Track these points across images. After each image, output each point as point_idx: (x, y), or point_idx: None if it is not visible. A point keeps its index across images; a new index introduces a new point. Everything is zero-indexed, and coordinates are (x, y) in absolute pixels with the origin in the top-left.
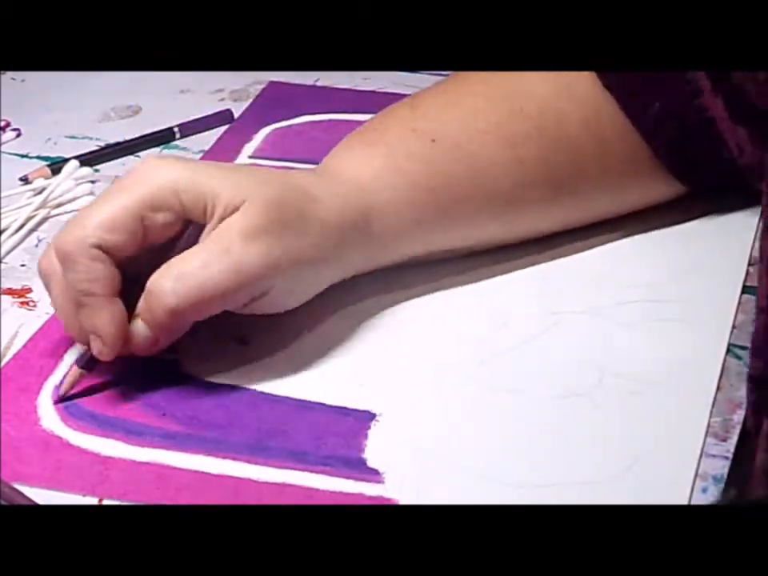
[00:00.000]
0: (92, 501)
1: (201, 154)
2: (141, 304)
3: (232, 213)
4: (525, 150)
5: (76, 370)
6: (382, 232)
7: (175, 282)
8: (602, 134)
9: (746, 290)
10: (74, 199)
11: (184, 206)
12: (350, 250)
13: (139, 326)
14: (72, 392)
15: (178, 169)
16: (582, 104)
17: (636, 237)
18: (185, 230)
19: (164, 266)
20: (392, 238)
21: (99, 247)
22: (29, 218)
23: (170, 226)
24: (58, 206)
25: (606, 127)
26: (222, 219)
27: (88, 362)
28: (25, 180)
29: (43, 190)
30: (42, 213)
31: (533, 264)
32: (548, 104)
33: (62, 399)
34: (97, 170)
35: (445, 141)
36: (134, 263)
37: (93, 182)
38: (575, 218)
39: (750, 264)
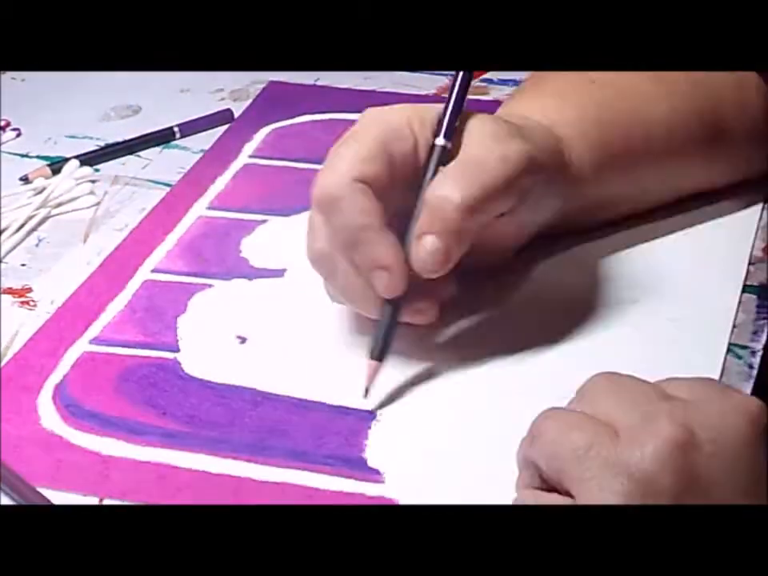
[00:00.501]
0: (92, 500)
1: (201, 154)
2: (422, 221)
3: (469, 130)
4: (672, 85)
5: (373, 363)
6: (571, 164)
7: (457, 183)
8: (739, 78)
9: (746, 289)
10: (74, 199)
11: (415, 133)
12: (558, 176)
13: (429, 242)
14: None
15: (397, 108)
16: None
17: (636, 237)
18: (418, 163)
19: (438, 177)
20: (579, 173)
21: (361, 180)
22: (29, 218)
23: (410, 159)
24: (58, 205)
25: (748, 87)
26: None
27: (378, 353)
28: (25, 180)
29: (43, 189)
30: (43, 212)
31: (533, 264)
32: None
33: (366, 394)
34: (97, 170)
35: (602, 81)
36: (387, 200)
37: (93, 181)
38: (717, 170)
39: (750, 264)
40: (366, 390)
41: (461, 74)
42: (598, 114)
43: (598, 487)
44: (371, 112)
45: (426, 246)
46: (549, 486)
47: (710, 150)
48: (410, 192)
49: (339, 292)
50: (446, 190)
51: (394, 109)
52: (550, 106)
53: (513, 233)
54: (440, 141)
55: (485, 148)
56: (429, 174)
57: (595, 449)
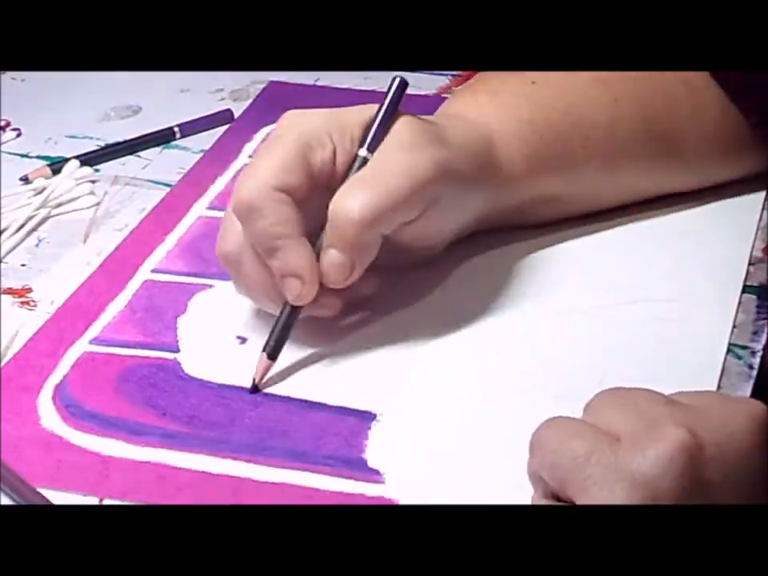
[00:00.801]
0: (92, 500)
1: (201, 154)
2: (326, 234)
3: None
4: (619, 90)
5: (265, 360)
6: (502, 162)
7: (356, 196)
8: (694, 83)
9: (746, 289)
10: (74, 199)
11: (334, 141)
12: (483, 177)
13: (331, 255)
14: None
15: (318, 114)
16: None
17: (635, 236)
18: (335, 171)
19: (341, 190)
20: (510, 171)
21: (280, 189)
22: (29, 218)
23: (328, 167)
24: (59, 205)
25: (701, 85)
26: None
27: (273, 351)
28: (25, 180)
29: (43, 189)
30: (43, 213)
31: (533, 264)
32: None
33: (255, 390)
34: (97, 170)
35: (543, 82)
36: (306, 209)
37: (93, 181)
38: (670, 175)
39: (750, 264)
40: (255, 386)
41: (395, 81)
42: (533, 114)
43: (601, 494)
44: (291, 116)
45: (329, 259)
46: (558, 498)
47: (658, 156)
48: (328, 200)
49: (244, 290)
50: (345, 202)
51: (314, 114)
52: (485, 104)
53: (432, 232)
54: (362, 152)
55: (391, 159)
56: (351, 176)
57: (596, 456)
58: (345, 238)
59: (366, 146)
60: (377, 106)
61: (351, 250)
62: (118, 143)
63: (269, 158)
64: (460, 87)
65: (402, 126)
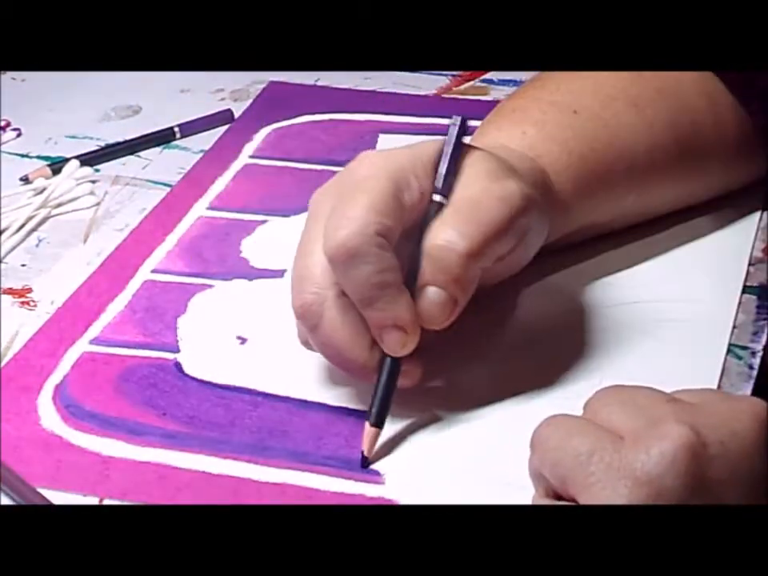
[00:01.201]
0: (93, 500)
1: (201, 154)
2: (426, 271)
3: (463, 170)
4: (651, 112)
5: (372, 430)
6: (556, 195)
7: (458, 228)
8: (715, 98)
9: (746, 289)
10: (74, 199)
11: (420, 182)
12: (546, 205)
13: (432, 294)
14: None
15: (399, 152)
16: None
17: (635, 236)
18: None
19: (434, 226)
20: (564, 203)
21: (381, 234)
22: (29, 218)
23: (417, 205)
24: (59, 205)
25: (718, 92)
26: None
27: (378, 417)
28: (25, 180)
29: (44, 189)
30: (43, 213)
31: (533, 264)
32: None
33: (367, 463)
34: (97, 170)
35: (584, 111)
36: (397, 254)
37: (93, 181)
38: (696, 189)
39: (750, 264)
40: (365, 458)
41: (457, 123)
42: (581, 146)
43: (603, 492)
44: (372, 157)
45: (432, 298)
46: (560, 496)
47: (687, 172)
48: (409, 243)
49: (320, 345)
50: (448, 237)
51: (396, 155)
52: (533, 136)
53: (519, 262)
54: (437, 197)
55: (481, 189)
56: (428, 225)
57: (598, 454)
58: (449, 273)
59: (439, 190)
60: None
61: (455, 285)
62: (118, 143)
63: (364, 200)
64: (494, 113)
65: (477, 159)
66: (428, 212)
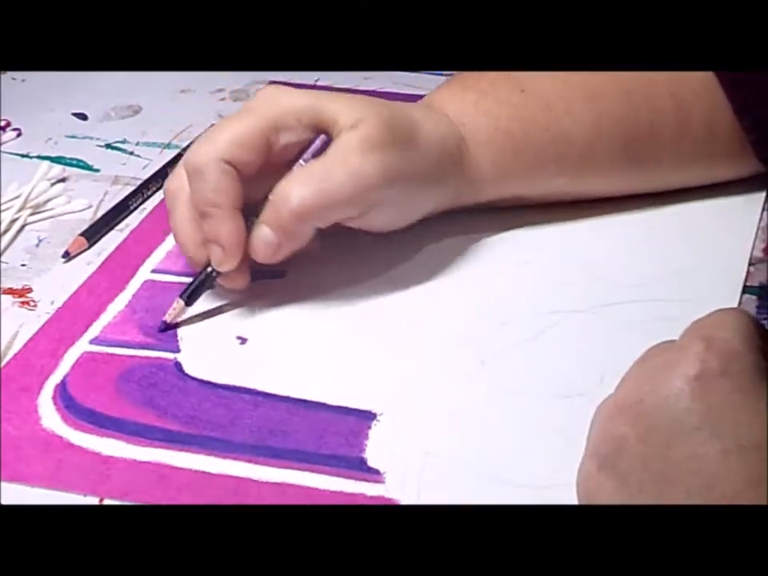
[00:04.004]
0: (93, 500)
1: None
2: (265, 212)
3: (349, 130)
4: (606, 106)
5: (180, 303)
6: (470, 165)
7: (299, 187)
8: (684, 101)
9: (746, 290)
10: (50, 200)
11: (304, 128)
12: (447, 175)
13: (264, 232)
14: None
15: (299, 95)
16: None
17: (636, 236)
18: (300, 154)
19: (288, 175)
20: (477, 174)
21: (228, 162)
22: (11, 223)
23: (291, 147)
24: (35, 207)
25: (690, 96)
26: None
27: (190, 297)
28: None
29: (18, 196)
30: (24, 215)
31: (533, 263)
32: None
33: (166, 328)
34: (97, 170)
35: (533, 93)
36: (254, 184)
37: (63, 180)
38: (644, 183)
39: (750, 264)
40: (165, 323)
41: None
42: (512, 123)
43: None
44: (269, 91)
45: (260, 234)
46: None
47: (635, 171)
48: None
49: (173, 230)
50: (288, 190)
51: (291, 95)
52: (470, 104)
53: (379, 225)
54: (321, 137)
55: (340, 159)
56: (301, 162)
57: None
58: (278, 221)
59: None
60: (362, 97)
61: (282, 233)
62: (111, 209)
63: (230, 129)
64: (458, 75)
65: (371, 122)
66: (308, 147)
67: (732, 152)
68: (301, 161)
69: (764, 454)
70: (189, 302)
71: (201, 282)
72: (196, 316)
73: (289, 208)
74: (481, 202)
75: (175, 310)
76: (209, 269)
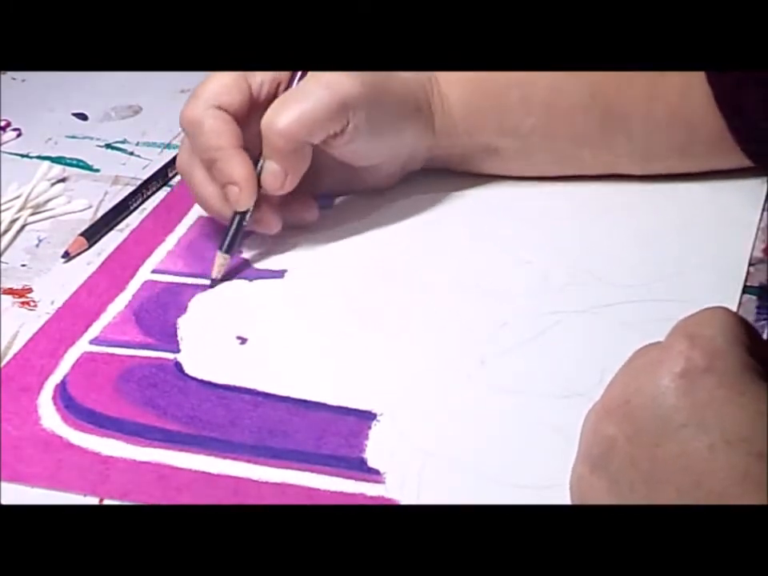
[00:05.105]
0: (93, 501)
1: None
2: (263, 146)
3: None
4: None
5: (222, 256)
6: (441, 102)
7: (280, 110)
8: (658, 81)
9: (746, 290)
10: (50, 200)
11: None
12: (420, 107)
13: (267, 164)
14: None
15: None
16: None
17: (636, 236)
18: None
19: (271, 105)
20: (448, 110)
21: (218, 107)
22: (11, 222)
23: (269, 85)
24: (35, 207)
25: (665, 80)
26: None
27: (229, 246)
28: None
29: (19, 196)
30: (24, 215)
31: (533, 264)
32: None
33: (214, 283)
34: (97, 170)
35: None
36: (249, 129)
37: (63, 180)
38: (611, 148)
39: (750, 264)
40: (213, 279)
41: None
42: (484, 79)
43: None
44: None
45: (267, 168)
46: None
47: (602, 131)
48: None
49: (197, 199)
50: (270, 116)
51: None
52: None
53: (366, 152)
54: (299, 73)
55: (315, 79)
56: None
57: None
58: (275, 148)
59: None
60: None
61: (282, 158)
62: (112, 209)
63: (212, 79)
64: None
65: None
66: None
67: (709, 138)
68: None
69: (749, 448)
70: (229, 250)
71: (235, 229)
72: (196, 316)
73: (276, 131)
74: (458, 153)
75: (219, 264)
76: (237, 216)
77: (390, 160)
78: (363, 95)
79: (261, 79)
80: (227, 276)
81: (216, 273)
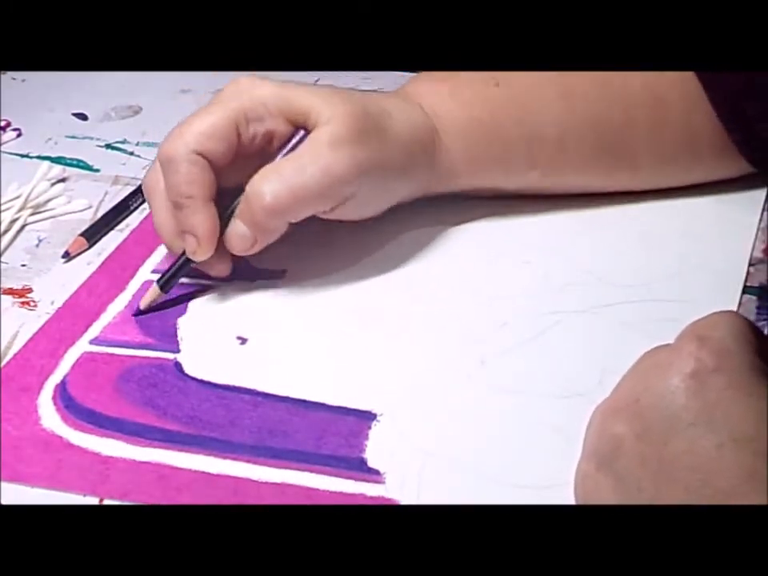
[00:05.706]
0: (93, 501)
1: None
2: (240, 206)
3: (320, 125)
4: (580, 103)
5: (155, 289)
6: (442, 155)
7: (272, 184)
8: (658, 94)
9: (746, 290)
10: (50, 200)
11: (274, 118)
12: (419, 166)
13: (238, 226)
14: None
15: (270, 86)
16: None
17: (636, 236)
18: (273, 143)
19: (261, 171)
20: (449, 164)
21: (199, 153)
22: (12, 222)
23: (262, 138)
24: (35, 207)
25: (669, 95)
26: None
27: (166, 283)
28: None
29: (19, 196)
30: (24, 215)
31: (533, 263)
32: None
33: (139, 313)
34: (97, 170)
35: (507, 87)
36: (228, 174)
37: (63, 180)
38: (621, 181)
39: (750, 264)
40: (139, 310)
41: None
42: (484, 115)
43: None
44: (238, 83)
45: (236, 229)
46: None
47: (609, 167)
48: (258, 166)
49: (154, 221)
50: (260, 187)
51: (261, 86)
52: (445, 96)
53: (353, 215)
54: (299, 133)
55: (312, 154)
56: (278, 158)
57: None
58: (252, 217)
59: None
60: (335, 90)
61: (256, 228)
62: (110, 211)
63: (200, 121)
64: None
65: (342, 117)
66: (288, 144)
67: (713, 152)
68: (279, 156)
69: (757, 447)
70: (164, 288)
71: (177, 269)
72: (196, 316)
73: (261, 205)
74: (455, 192)
75: (150, 297)
76: (184, 257)
77: (381, 209)
78: (358, 177)
79: (253, 131)
80: (227, 276)
81: (144, 304)
